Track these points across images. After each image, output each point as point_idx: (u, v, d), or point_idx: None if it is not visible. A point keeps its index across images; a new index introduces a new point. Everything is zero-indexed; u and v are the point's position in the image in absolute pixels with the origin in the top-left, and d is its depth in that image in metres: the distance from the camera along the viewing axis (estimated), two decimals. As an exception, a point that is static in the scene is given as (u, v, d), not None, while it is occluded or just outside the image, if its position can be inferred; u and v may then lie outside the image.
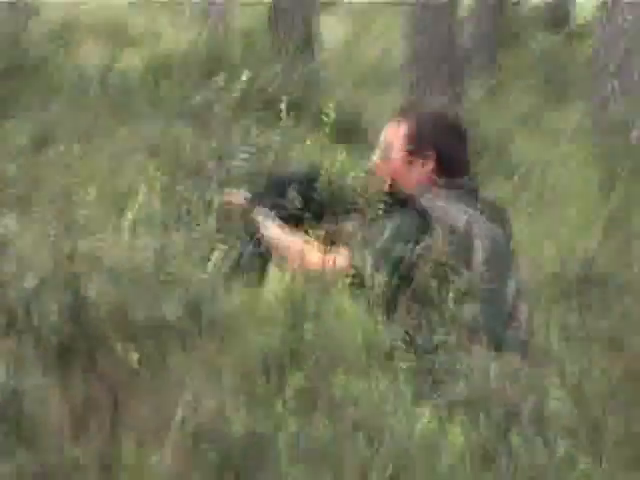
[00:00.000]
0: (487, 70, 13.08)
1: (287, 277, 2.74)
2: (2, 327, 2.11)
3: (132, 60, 12.94)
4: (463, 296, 3.08)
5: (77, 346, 2.17)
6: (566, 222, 6.07)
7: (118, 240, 2.29)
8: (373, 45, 15.71)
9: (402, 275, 3.11)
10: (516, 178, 7.67)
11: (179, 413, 2.16)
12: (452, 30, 11.57)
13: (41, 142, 8.89)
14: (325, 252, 3.12)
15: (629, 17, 9.85)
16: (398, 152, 3.49)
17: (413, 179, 3.46)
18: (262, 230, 3.28)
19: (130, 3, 18.10)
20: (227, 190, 3.23)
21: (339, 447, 2.27)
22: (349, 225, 3.33)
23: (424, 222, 3.29)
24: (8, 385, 2.04)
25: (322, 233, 3.20)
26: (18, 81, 10.89)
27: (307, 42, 12.21)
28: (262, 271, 3.26)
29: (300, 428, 2.23)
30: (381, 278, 2.97)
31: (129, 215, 2.40)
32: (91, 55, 13.03)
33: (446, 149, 3.50)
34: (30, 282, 2.11)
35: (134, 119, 9.85)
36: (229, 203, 3.17)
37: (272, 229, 3.30)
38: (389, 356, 2.64)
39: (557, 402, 2.87)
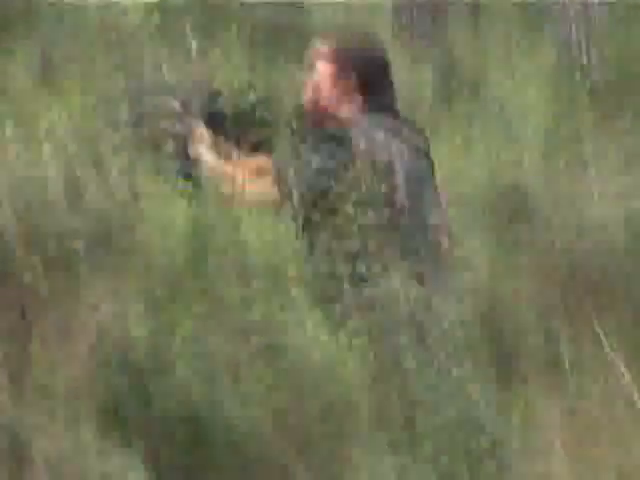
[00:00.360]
0: (471, 12, 13.31)
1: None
2: None
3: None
4: (386, 226, 3.27)
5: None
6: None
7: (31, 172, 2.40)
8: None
9: (326, 206, 3.22)
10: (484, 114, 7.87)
11: (84, 320, 2.29)
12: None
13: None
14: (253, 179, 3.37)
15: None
16: (323, 73, 3.61)
17: (338, 98, 3.57)
18: (196, 153, 3.41)
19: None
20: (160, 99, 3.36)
21: (234, 353, 2.39)
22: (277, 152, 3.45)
23: (348, 154, 3.39)
24: None
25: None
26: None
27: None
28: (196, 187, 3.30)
29: (196, 333, 2.35)
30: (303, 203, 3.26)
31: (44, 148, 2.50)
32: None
33: (365, 69, 3.59)
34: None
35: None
36: (162, 110, 3.35)
37: (206, 155, 3.41)
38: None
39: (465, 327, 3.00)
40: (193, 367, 2.34)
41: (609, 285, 4.22)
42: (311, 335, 2.62)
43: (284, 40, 10.51)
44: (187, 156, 3.34)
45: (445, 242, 3.57)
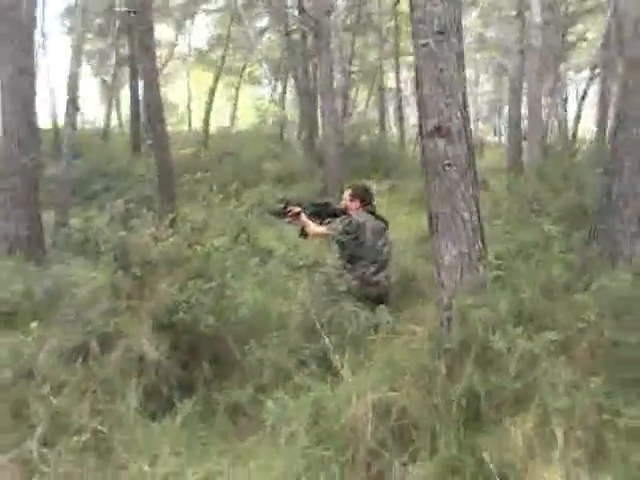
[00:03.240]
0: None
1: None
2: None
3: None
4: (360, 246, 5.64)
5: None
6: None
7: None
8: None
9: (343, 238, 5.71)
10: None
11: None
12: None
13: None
14: (319, 228, 5.85)
15: None
16: (348, 198, 5.96)
17: (352, 207, 5.92)
18: (302, 219, 5.81)
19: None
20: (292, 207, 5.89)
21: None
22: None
23: (352, 221, 5.73)
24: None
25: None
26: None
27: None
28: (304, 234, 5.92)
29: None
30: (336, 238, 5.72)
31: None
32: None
33: (363, 197, 5.95)
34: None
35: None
36: (292, 210, 5.83)
37: (305, 220, 5.78)
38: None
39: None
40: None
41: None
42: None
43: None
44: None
45: (385, 250, 5.76)
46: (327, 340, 4.00)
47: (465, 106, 3.71)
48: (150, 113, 6.14)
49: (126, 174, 15.21)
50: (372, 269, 5.56)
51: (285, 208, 5.71)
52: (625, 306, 4.01)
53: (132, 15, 5.46)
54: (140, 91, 17.33)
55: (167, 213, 4.75)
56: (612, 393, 3.59)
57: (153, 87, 5.82)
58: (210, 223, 4.59)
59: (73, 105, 9.42)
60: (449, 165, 3.69)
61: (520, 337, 3.30)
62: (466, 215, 3.74)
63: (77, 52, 9.55)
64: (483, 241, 3.85)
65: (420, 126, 3.80)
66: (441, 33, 3.53)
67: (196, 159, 16.71)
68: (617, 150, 4.86)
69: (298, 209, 5.76)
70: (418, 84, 3.75)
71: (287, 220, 5.75)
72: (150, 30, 5.71)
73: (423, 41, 3.56)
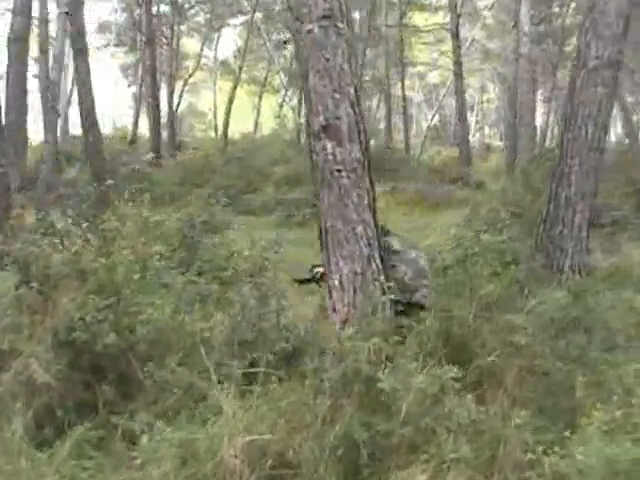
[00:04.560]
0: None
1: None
2: None
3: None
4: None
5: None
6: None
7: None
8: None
9: None
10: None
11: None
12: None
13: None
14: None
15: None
16: None
17: None
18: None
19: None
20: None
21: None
22: None
23: None
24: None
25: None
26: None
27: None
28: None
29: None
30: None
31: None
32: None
33: None
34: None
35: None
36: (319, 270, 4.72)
37: None
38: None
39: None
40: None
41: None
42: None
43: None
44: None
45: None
46: (210, 365, 3.20)
47: (358, 102, 2.87)
48: (82, 117, 5.49)
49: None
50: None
51: (312, 271, 4.98)
52: (559, 329, 3.27)
53: (67, 16, 4.95)
54: (163, 98, 16.80)
55: (94, 219, 4.07)
56: (541, 428, 2.91)
57: (87, 89, 5.20)
58: (123, 232, 3.83)
59: (53, 111, 8.83)
60: (339, 170, 2.86)
61: (414, 374, 2.50)
62: (359, 229, 2.93)
63: (59, 61, 8.94)
64: (381, 258, 3.03)
65: (307, 124, 2.96)
66: (327, 17, 2.70)
67: (208, 162, 16.04)
68: (564, 152, 4.03)
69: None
70: (305, 77, 2.95)
71: (318, 281, 4.96)
72: (82, 33, 5.12)
73: (309, 27, 2.76)
